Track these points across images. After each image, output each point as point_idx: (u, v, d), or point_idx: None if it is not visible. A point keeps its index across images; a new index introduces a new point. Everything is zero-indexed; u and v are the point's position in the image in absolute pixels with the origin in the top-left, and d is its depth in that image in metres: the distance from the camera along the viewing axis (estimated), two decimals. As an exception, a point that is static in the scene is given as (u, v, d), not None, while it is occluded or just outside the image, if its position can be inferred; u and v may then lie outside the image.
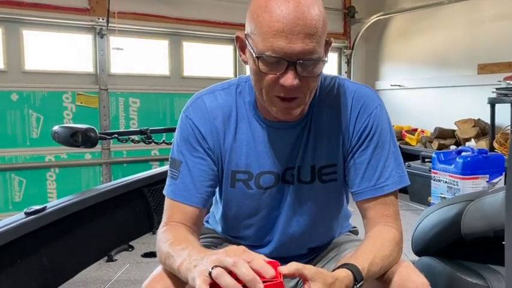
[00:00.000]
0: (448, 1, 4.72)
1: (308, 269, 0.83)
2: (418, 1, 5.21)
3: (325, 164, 1.10)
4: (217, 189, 1.16)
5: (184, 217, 1.07)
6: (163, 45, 4.91)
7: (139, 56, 4.79)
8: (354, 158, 1.08)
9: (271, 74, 0.94)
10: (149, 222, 2.96)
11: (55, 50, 4.39)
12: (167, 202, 1.11)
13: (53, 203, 2.22)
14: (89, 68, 4.54)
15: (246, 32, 0.98)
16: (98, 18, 4.39)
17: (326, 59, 0.98)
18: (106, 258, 2.52)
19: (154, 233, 2.92)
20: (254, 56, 0.94)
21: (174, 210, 1.08)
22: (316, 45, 0.92)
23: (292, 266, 0.82)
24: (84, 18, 4.37)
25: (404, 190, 0.97)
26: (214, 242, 1.22)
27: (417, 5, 5.16)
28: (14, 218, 1.94)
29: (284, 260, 0.89)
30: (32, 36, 4.27)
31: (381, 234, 1.03)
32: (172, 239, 0.99)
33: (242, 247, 0.84)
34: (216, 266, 0.79)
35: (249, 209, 1.13)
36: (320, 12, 0.92)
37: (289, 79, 0.92)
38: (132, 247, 2.72)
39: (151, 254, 2.60)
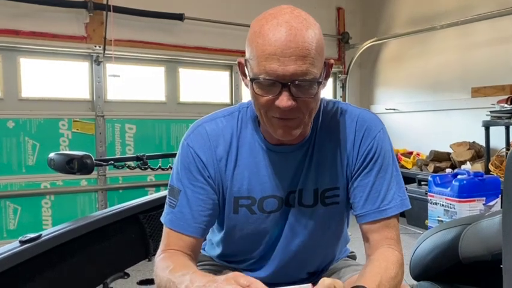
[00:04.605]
0: (440, 26, 4.79)
1: (339, 283, 0.84)
2: (411, 26, 5.30)
3: (328, 187, 1.10)
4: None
5: (181, 245, 1.07)
6: (160, 71, 4.95)
7: (135, 82, 4.82)
8: (358, 181, 1.09)
9: (266, 96, 0.95)
10: (145, 249, 2.93)
11: (52, 77, 4.41)
12: (165, 230, 1.11)
13: (48, 230, 2.20)
14: (85, 94, 4.55)
15: (245, 58, 1.01)
16: (95, 46, 4.43)
17: (323, 79, 0.99)
18: (101, 286, 2.49)
19: (150, 260, 2.89)
20: (249, 79, 0.97)
21: (172, 239, 1.08)
22: (310, 67, 0.93)
23: (324, 283, 0.82)
24: (81, 46, 4.41)
25: (401, 213, 0.97)
26: (212, 269, 1.21)
27: (410, 31, 5.24)
28: (9, 247, 1.92)
29: (283, 285, 0.89)
30: (29, 63, 4.29)
31: (386, 256, 1.04)
32: (172, 265, 0.99)
33: (239, 274, 0.85)
34: None
35: (253, 233, 1.13)
36: (314, 34, 0.93)
37: (283, 101, 0.94)
38: (128, 274, 2.68)
39: (147, 282, 2.57)
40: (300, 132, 1.02)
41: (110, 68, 4.57)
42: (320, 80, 0.96)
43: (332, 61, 1.02)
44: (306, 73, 0.92)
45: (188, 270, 0.96)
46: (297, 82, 0.93)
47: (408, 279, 1.57)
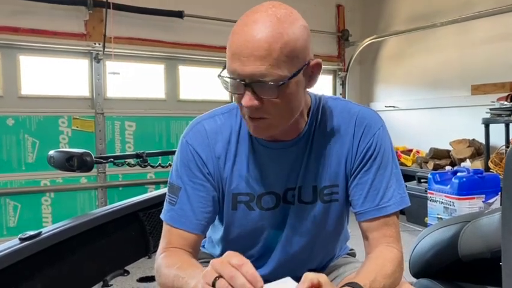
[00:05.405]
0: (440, 24, 4.78)
1: (323, 277, 0.83)
2: (411, 24, 5.29)
3: (327, 184, 1.10)
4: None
5: (183, 243, 1.07)
6: (159, 69, 4.95)
7: (135, 80, 4.81)
8: (357, 178, 1.09)
9: (235, 94, 0.96)
10: (145, 247, 2.93)
11: (51, 75, 4.41)
12: (165, 228, 1.10)
13: (48, 228, 2.20)
14: (85, 92, 4.55)
15: None
16: (95, 43, 4.42)
17: (302, 79, 0.96)
18: (101, 283, 2.49)
19: (150, 257, 2.89)
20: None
21: (173, 236, 1.08)
22: (271, 68, 0.90)
23: (308, 277, 0.81)
24: (80, 44, 4.40)
25: (401, 211, 0.97)
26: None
27: (410, 28, 5.23)
28: (9, 244, 1.92)
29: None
30: (28, 61, 4.29)
31: (383, 254, 1.03)
32: (180, 263, 0.99)
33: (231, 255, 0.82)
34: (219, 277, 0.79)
35: (251, 230, 1.13)
36: (278, 34, 0.90)
37: (246, 100, 0.93)
38: (128, 272, 2.69)
39: (147, 279, 2.57)
40: (272, 131, 1.01)
41: (110, 65, 4.57)
42: (283, 82, 0.92)
43: (317, 61, 0.98)
44: (264, 75, 0.90)
45: (198, 266, 0.98)
46: (255, 83, 0.92)
47: (407, 277, 1.57)
